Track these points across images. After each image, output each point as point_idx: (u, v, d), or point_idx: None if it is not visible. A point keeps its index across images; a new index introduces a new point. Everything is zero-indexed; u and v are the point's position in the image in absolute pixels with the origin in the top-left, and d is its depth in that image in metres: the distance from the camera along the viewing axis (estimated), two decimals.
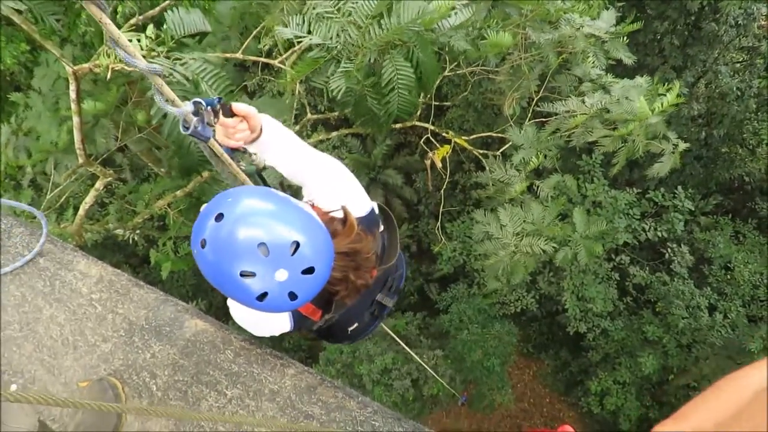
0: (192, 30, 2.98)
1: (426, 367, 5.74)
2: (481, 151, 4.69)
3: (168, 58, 3.10)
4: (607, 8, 4.98)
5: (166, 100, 1.42)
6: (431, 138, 4.66)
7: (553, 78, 4.74)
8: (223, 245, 1.21)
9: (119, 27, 3.32)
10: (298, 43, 3.52)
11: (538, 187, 4.63)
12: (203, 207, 1.31)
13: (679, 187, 9.14)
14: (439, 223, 6.35)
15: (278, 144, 1.70)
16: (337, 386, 1.99)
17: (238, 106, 1.55)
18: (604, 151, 4.28)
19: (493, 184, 4.35)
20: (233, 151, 1.68)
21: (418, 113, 5.15)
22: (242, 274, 1.20)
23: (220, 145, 1.62)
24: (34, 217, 4.47)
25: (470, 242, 9.36)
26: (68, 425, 2.06)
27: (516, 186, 4.05)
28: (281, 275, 1.22)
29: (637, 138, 3.96)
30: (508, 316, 10.40)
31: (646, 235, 8.72)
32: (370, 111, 3.64)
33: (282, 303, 1.27)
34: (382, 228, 1.77)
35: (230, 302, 1.62)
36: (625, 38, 4.52)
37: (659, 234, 8.78)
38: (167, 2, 3.30)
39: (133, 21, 3.35)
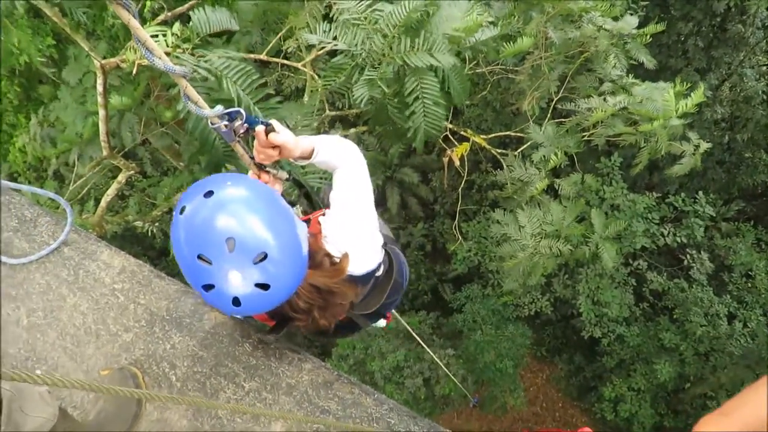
0: (218, 28, 3.01)
1: (440, 364, 5.74)
2: (500, 150, 4.67)
3: (193, 55, 3.14)
4: (631, 12, 4.93)
5: (195, 103, 1.41)
6: (449, 136, 4.65)
7: (573, 78, 4.70)
8: (198, 222, 1.20)
9: (146, 22, 3.38)
10: (322, 48, 3.49)
11: (558, 186, 4.60)
12: (209, 177, 1.31)
13: (700, 192, 8.98)
14: (456, 221, 6.32)
15: (328, 167, 1.68)
16: (353, 382, 2.00)
17: (274, 137, 1.49)
18: (625, 144, 4.24)
19: (512, 184, 4.32)
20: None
21: None
22: (200, 257, 1.18)
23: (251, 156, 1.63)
24: (57, 207, 4.57)
25: (485, 243, 9.32)
26: (89, 413, 2.10)
27: (536, 184, 4.02)
28: (234, 277, 1.19)
29: (660, 138, 3.91)
30: (522, 318, 10.34)
31: (665, 240, 8.59)
32: (390, 120, 3.57)
33: (223, 303, 1.23)
34: (380, 273, 1.72)
35: None
36: (648, 38, 4.46)
37: (678, 239, 8.64)
38: (194, 1, 3.35)
39: (161, 17, 3.40)
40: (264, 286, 1.21)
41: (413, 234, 11.46)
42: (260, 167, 1.65)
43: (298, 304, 1.40)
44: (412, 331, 4.17)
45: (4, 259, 2.42)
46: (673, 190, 9.64)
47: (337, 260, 1.49)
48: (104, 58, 3.67)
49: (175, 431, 1.99)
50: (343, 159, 1.65)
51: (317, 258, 1.45)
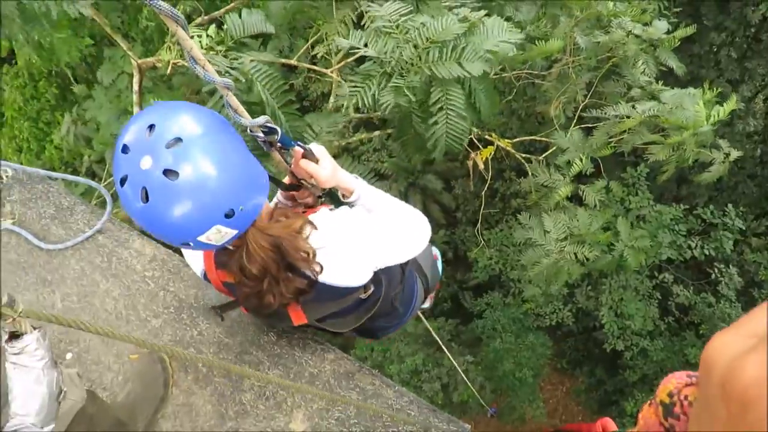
0: (252, 31, 3.08)
1: (459, 370, 5.71)
2: (525, 155, 4.66)
3: (225, 57, 3.22)
4: (660, 18, 4.88)
5: (235, 111, 1.43)
6: (474, 140, 4.66)
7: (601, 84, 4.67)
8: (131, 121, 1.22)
9: None
10: (352, 54, 3.50)
11: (583, 192, 4.56)
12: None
13: (729, 205, 8.77)
14: (479, 225, 6.30)
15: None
16: (374, 374, 2.03)
17: (306, 165, 1.49)
18: (654, 160, 4.18)
19: (536, 190, 4.30)
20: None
21: None
22: (123, 148, 1.16)
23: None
24: (90, 200, 4.73)
25: (507, 251, 9.25)
26: (118, 395, 2.16)
27: (560, 189, 3.99)
28: (145, 161, 1.12)
29: (688, 147, 3.86)
30: (543, 328, 10.20)
31: (692, 252, 8.38)
32: (413, 129, 3.53)
33: (131, 199, 1.14)
34: (364, 295, 1.64)
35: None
36: (678, 42, 4.40)
37: (706, 252, 8.43)
38: (231, 5, 3.45)
39: (198, 20, 3.51)
40: (172, 173, 1.11)
41: (434, 241, 11.40)
42: (294, 182, 1.65)
43: (251, 268, 1.35)
44: (434, 334, 4.17)
45: (41, 244, 2.53)
46: (701, 203, 9.44)
47: (308, 227, 1.42)
48: (140, 59, 3.80)
49: (200, 416, 2.04)
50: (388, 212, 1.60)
51: (279, 212, 1.44)
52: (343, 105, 3.64)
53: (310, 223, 1.43)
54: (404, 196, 11.03)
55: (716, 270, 9.17)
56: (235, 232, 1.25)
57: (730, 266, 9.17)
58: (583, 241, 4.11)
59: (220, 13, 3.62)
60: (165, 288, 2.34)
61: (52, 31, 3.25)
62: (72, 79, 5.90)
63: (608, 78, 4.57)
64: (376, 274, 1.59)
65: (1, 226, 2.60)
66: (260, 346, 2.11)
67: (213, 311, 1.66)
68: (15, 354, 1.29)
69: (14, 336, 1.29)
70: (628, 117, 3.99)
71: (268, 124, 1.41)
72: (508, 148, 4.59)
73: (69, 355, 2.35)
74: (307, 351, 2.09)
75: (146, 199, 1.13)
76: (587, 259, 4.26)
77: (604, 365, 11.56)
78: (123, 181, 1.15)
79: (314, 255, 1.39)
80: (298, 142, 1.50)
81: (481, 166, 4.57)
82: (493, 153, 4.61)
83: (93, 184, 2.42)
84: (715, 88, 4.14)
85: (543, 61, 4.42)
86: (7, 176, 2.90)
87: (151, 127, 1.15)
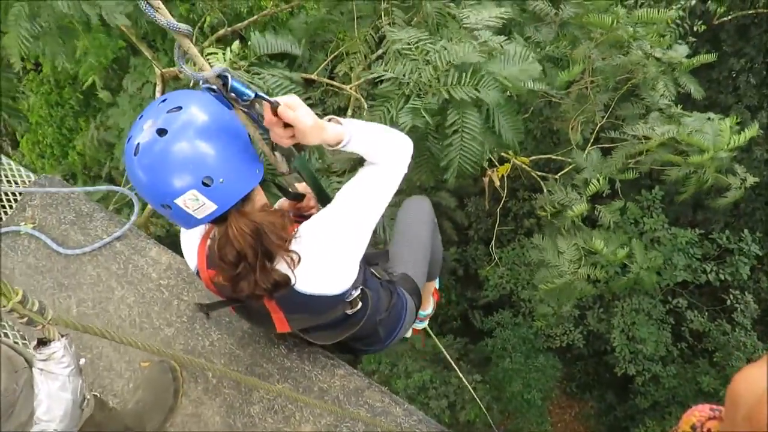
0: (276, 50, 3.13)
1: (468, 386, 5.66)
2: (541, 173, 4.66)
3: (248, 72, 3.28)
4: (680, 42, 4.88)
5: (185, 59, 1.27)
6: (491, 157, 4.67)
7: (619, 106, 4.66)
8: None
9: (206, 38, 3.55)
10: (372, 74, 3.51)
11: (599, 213, 4.55)
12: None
13: (746, 230, 8.65)
14: (493, 241, 6.26)
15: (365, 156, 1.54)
16: (383, 391, 2.02)
17: (284, 112, 1.29)
18: (671, 181, 4.16)
19: (552, 206, 4.29)
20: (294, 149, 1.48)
21: None
22: (140, 116, 1.32)
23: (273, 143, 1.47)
24: (107, 206, 4.80)
25: (519, 270, 9.18)
26: (128, 402, 2.17)
27: (575, 207, 3.96)
28: (147, 124, 1.26)
29: (708, 170, 3.84)
30: (553, 349, 10.07)
31: (707, 276, 8.25)
32: (428, 151, 3.51)
33: (128, 155, 1.27)
34: (350, 311, 1.62)
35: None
36: (698, 64, 4.41)
37: (721, 278, 8.30)
38: (253, 18, 3.53)
39: (221, 32, 3.58)
40: (163, 131, 1.24)
41: (445, 258, 11.39)
42: (274, 149, 1.51)
43: (227, 253, 1.36)
44: (444, 350, 4.14)
45: (60, 248, 2.57)
46: (717, 228, 9.31)
47: (288, 216, 1.47)
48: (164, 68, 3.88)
49: (209, 427, 2.04)
50: (380, 157, 1.52)
51: (255, 196, 1.43)
52: None
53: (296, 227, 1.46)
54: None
55: (732, 296, 9.02)
56: (213, 206, 1.29)
57: (746, 293, 9.00)
58: (596, 263, 4.09)
59: (242, 25, 3.69)
60: (179, 297, 2.36)
61: (86, 37, 3.34)
62: (96, 86, 6.00)
63: (626, 100, 4.57)
64: (363, 291, 1.59)
65: (20, 230, 2.65)
66: (271, 359, 2.12)
67: (198, 307, 1.66)
68: (42, 360, 1.32)
69: (42, 343, 1.31)
70: (647, 138, 3.99)
71: (225, 74, 1.26)
72: (524, 166, 4.59)
73: (82, 361, 2.37)
74: (317, 365, 2.09)
75: (136, 153, 1.25)
76: (599, 281, 4.22)
77: (614, 390, 11.37)
78: (128, 141, 1.29)
79: (290, 243, 1.41)
80: (261, 93, 1.30)
81: (497, 183, 4.57)
82: (509, 170, 4.61)
83: (118, 188, 2.46)
84: (735, 115, 4.12)
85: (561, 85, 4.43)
86: (30, 181, 2.97)
87: (165, 99, 1.30)
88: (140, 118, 1.29)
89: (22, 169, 3.03)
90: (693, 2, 6.76)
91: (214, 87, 1.28)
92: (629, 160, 4.34)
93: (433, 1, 3.58)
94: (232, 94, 1.27)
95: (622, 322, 8.59)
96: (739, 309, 8.91)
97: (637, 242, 5.19)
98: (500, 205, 5.79)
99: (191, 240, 1.62)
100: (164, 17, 1.16)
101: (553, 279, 4.08)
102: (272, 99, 1.29)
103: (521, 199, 10.32)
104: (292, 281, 1.44)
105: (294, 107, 1.29)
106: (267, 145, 1.49)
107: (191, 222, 1.32)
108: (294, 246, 1.42)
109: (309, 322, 1.67)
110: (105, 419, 1.82)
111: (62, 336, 1.33)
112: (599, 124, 4.61)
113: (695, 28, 7.21)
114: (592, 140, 4.66)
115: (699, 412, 0.69)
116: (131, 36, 3.29)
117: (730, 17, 7.74)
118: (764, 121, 9.73)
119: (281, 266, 1.42)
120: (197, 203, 1.26)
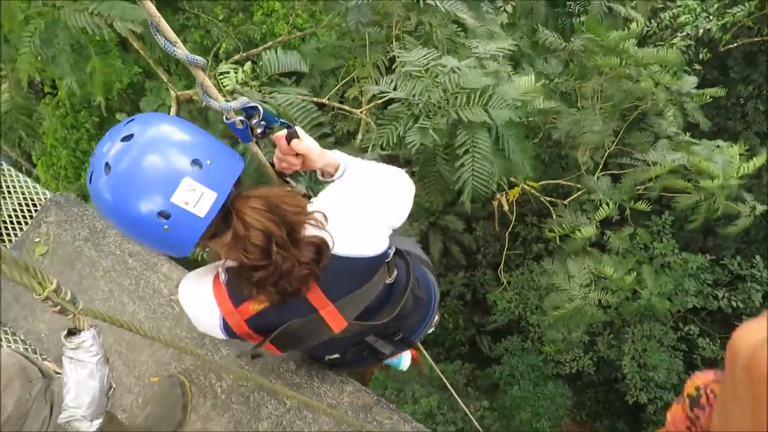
0: (287, 69, 3.22)
1: (472, 418, 5.56)
2: (550, 199, 4.68)
3: (260, 91, 3.36)
4: (687, 72, 4.94)
5: (205, 93, 1.38)
6: (500, 180, 4.71)
7: (627, 134, 4.70)
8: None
9: (220, 62, 3.64)
10: (381, 97, 3.57)
11: (608, 237, 4.55)
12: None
13: (758, 257, 8.56)
14: (501, 265, 6.25)
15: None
16: (392, 409, 2.01)
17: (297, 144, 1.40)
18: (681, 208, 4.17)
19: (561, 228, 4.29)
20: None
21: None
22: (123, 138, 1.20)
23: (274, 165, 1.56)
24: None
25: (527, 295, 9.12)
26: (137, 417, 2.18)
27: (584, 230, 3.96)
28: (107, 145, 1.18)
29: (718, 197, 3.84)
30: (563, 376, 9.92)
31: (719, 303, 8.15)
32: (437, 172, 3.52)
33: (95, 181, 1.16)
34: (390, 280, 1.58)
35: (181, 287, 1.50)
36: (708, 98, 4.44)
37: (733, 304, 8.19)
38: (269, 44, 3.62)
39: (236, 57, 3.68)
40: (129, 137, 1.16)
41: (453, 282, 11.34)
42: (280, 176, 1.58)
43: (252, 236, 1.24)
44: (444, 379, 4.10)
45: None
46: (729, 254, 9.22)
47: (303, 206, 1.37)
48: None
49: None
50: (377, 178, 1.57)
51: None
52: (370, 145, 3.69)
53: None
54: (425, 236, 11.03)
55: None
56: (213, 194, 1.19)
57: None
58: (606, 287, 4.07)
59: (257, 51, 3.80)
60: None
61: (100, 59, 3.44)
62: (104, 110, 6.10)
63: (634, 127, 4.61)
64: (396, 256, 1.58)
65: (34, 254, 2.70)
66: (280, 375, 2.12)
67: (250, 356, 1.60)
68: (72, 349, 1.38)
69: (72, 333, 1.38)
70: (656, 164, 4.01)
71: (248, 105, 1.33)
72: (532, 191, 4.61)
73: None
74: (326, 382, 2.08)
75: (108, 170, 1.14)
76: (609, 306, 4.19)
77: (625, 419, 11.12)
78: (91, 176, 1.18)
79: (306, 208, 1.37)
80: (284, 121, 1.40)
81: (506, 207, 4.59)
82: (518, 194, 4.64)
83: None
84: (744, 142, 4.15)
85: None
86: (46, 198, 3.03)
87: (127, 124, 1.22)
88: (93, 156, 1.20)
89: (38, 186, 3.11)
90: (701, 31, 6.83)
91: (239, 119, 1.35)
92: (638, 186, 4.36)
93: (444, 29, 3.66)
94: (254, 121, 1.36)
95: (633, 348, 8.47)
96: None
97: (648, 267, 5.16)
98: (509, 230, 5.80)
99: (202, 294, 1.43)
100: (182, 51, 1.24)
101: (563, 303, 4.06)
102: (291, 125, 1.41)
103: (530, 224, 10.31)
104: (330, 243, 1.37)
105: (302, 137, 1.40)
106: (277, 175, 1.58)
107: (197, 226, 1.19)
108: (312, 208, 1.39)
109: (357, 303, 1.51)
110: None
111: (91, 326, 1.38)
112: (608, 151, 4.64)
113: (701, 56, 7.28)
114: (601, 166, 4.69)
115: (704, 375, 0.71)
116: (149, 59, 3.40)
117: (736, 44, 7.81)
118: None
119: (311, 231, 1.36)
120: (195, 193, 1.16)
